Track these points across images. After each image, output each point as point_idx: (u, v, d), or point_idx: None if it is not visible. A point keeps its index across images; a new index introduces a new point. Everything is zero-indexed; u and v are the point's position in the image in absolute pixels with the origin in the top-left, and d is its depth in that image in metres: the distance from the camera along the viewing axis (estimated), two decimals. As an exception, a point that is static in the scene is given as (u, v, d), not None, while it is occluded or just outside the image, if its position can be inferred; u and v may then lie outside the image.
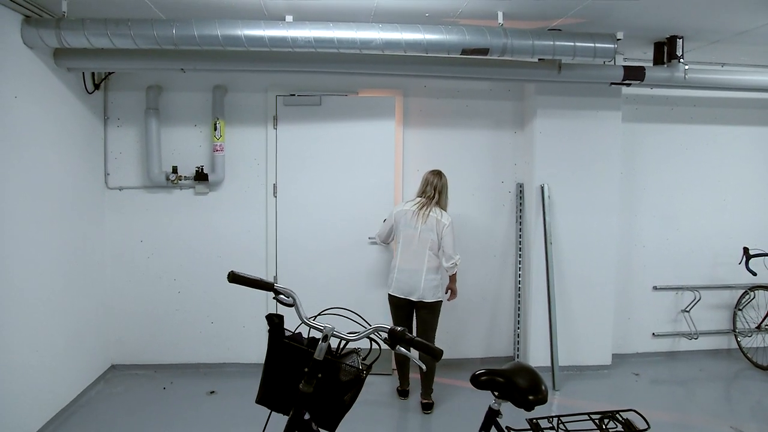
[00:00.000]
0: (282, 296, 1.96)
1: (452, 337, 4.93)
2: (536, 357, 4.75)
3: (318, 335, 1.90)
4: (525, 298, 4.89)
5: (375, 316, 4.40)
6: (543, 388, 1.91)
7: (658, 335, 5.22)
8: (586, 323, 4.81)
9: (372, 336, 1.93)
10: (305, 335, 2.00)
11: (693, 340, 5.16)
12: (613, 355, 4.94)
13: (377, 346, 1.95)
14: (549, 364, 4.56)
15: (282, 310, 2.01)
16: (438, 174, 4.10)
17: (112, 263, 4.60)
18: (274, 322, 1.94)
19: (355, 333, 1.92)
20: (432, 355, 1.78)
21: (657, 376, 4.84)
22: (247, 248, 4.72)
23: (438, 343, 4.18)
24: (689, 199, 5.21)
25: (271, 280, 4.67)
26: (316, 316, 1.98)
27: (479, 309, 5.03)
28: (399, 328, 1.83)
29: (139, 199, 4.60)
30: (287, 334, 1.97)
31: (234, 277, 1.93)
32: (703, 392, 4.55)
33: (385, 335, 1.86)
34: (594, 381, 4.69)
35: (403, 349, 1.86)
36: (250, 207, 4.70)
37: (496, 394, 1.98)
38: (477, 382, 2.00)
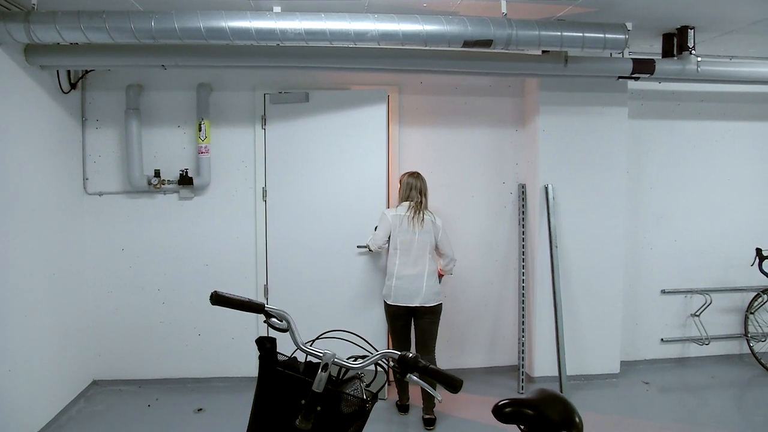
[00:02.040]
0: (274, 320, 1.70)
1: (453, 346, 4.73)
2: (542, 366, 4.54)
3: (316, 360, 1.65)
4: (529, 304, 4.67)
5: (371, 324, 4.21)
6: (577, 420, 1.66)
7: (666, 341, 5.01)
8: (593, 330, 4.60)
9: (379, 362, 1.69)
10: (300, 358, 1.76)
11: (704, 345, 4.96)
12: (621, 362, 4.73)
13: (383, 371, 1.72)
14: (556, 373, 4.34)
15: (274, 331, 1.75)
16: (418, 176, 4.00)
17: (93, 273, 4.36)
18: (266, 346, 1.68)
19: (359, 358, 1.68)
20: (451, 386, 1.54)
21: (667, 384, 4.63)
22: (236, 256, 4.48)
23: (438, 352, 4.02)
24: (698, 198, 5.00)
25: (261, 295, 4.45)
26: (313, 341, 1.74)
27: (481, 316, 4.81)
28: (411, 354, 1.59)
29: (119, 205, 4.36)
30: (281, 359, 1.72)
31: (218, 299, 1.67)
32: (715, 400, 4.35)
33: (393, 362, 1.62)
34: (603, 390, 4.48)
35: (415, 377, 1.62)
36: (238, 212, 4.46)
37: (522, 427, 1.73)
38: (500, 414, 1.73)
